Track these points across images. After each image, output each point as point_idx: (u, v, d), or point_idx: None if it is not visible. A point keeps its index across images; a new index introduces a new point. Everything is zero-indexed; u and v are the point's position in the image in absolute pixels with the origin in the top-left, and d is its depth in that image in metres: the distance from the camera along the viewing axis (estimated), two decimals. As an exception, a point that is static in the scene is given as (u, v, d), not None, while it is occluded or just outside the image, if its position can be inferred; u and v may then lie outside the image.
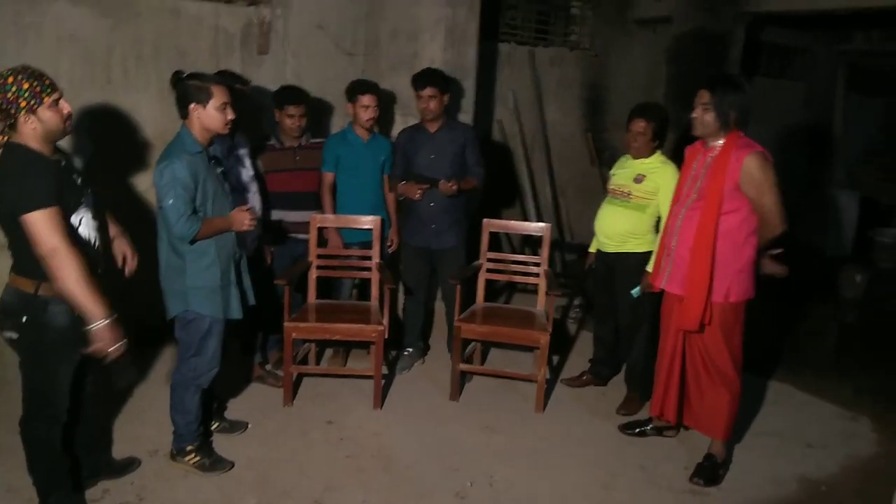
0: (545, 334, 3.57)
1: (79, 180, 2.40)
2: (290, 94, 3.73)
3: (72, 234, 2.30)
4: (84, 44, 3.69)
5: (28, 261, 2.25)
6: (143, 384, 3.66)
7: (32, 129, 2.24)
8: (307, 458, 3.11)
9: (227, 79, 3.03)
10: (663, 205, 3.35)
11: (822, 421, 3.74)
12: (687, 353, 3.08)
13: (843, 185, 8.17)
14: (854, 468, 3.28)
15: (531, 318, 3.78)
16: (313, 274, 3.81)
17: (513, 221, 4.42)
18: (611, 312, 3.78)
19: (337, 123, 4.51)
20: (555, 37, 6.10)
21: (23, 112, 2.20)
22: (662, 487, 3.03)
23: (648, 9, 6.31)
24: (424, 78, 3.78)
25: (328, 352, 4.15)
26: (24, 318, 2.30)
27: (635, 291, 3.45)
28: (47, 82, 2.24)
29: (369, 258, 3.87)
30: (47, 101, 2.23)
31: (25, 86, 2.19)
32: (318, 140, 3.93)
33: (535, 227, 4.13)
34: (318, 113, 4.33)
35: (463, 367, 3.77)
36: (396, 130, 4.42)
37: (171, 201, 2.61)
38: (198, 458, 2.93)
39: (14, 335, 2.34)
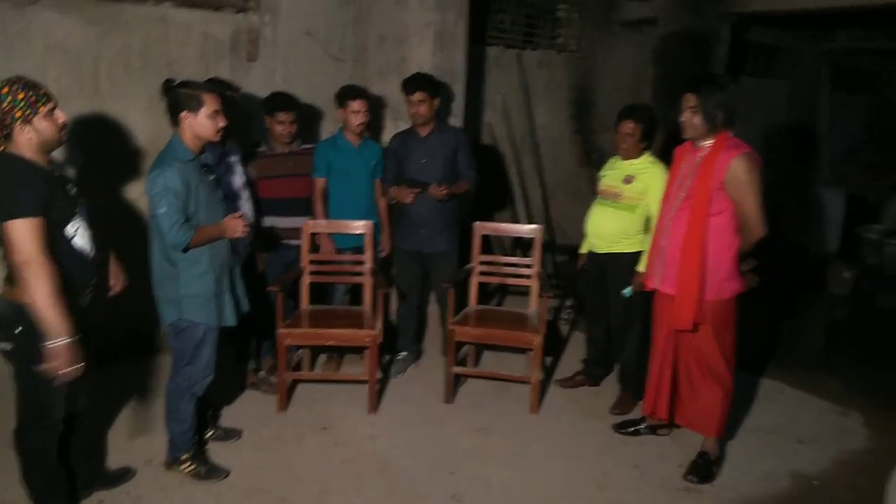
0: (538, 336, 3.58)
1: (73, 190, 2.41)
2: (281, 101, 3.73)
3: (67, 244, 2.30)
4: (72, 53, 3.68)
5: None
6: (137, 393, 3.65)
7: (28, 140, 2.24)
8: (303, 464, 3.11)
9: (217, 86, 3.04)
10: (653, 205, 3.38)
11: (814, 417, 3.77)
12: (679, 351, 3.11)
13: (829, 182, 8.24)
14: (846, 463, 3.31)
15: (524, 320, 3.80)
16: (306, 280, 3.81)
17: (504, 224, 4.44)
18: (603, 313, 3.81)
19: (327, 129, 4.52)
20: (542, 39, 6.13)
21: (18, 122, 2.20)
22: (657, 486, 3.05)
23: (634, 10, 6.35)
24: (414, 82, 3.79)
25: (322, 357, 4.15)
26: (18, 329, 2.29)
27: (627, 291, 3.48)
28: (42, 92, 2.25)
29: (362, 263, 3.88)
30: (42, 111, 2.24)
31: (21, 96, 2.19)
32: (308, 146, 3.94)
33: (527, 229, 4.15)
34: (307, 119, 4.33)
35: (457, 369, 3.78)
36: (387, 135, 4.44)
37: (163, 210, 2.61)
38: (193, 467, 2.93)
39: (8, 346, 2.34)
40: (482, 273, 4.03)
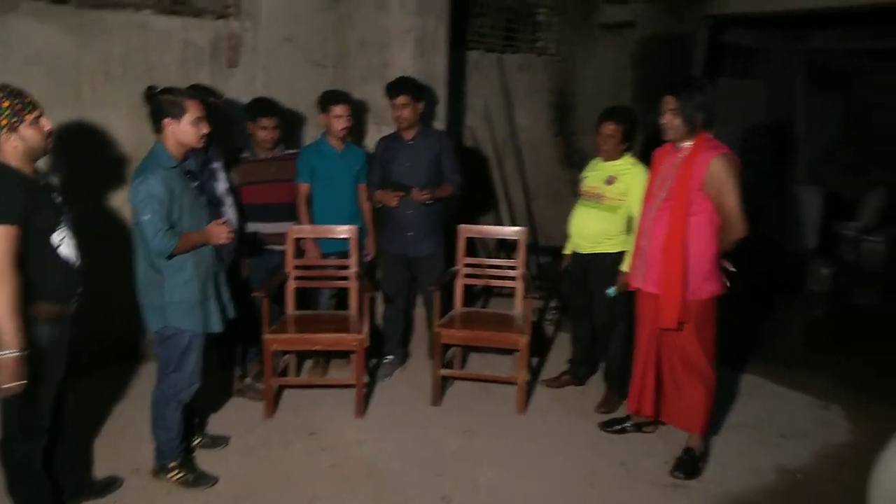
0: (524, 337, 3.61)
1: (58, 199, 2.40)
2: (263, 106, 3.73)
3: (53, 252, 2.29)
4: (52, 61, 3.65)
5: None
6: (122, 401, 3.63)
7: (14, 148, 2.23)
8: (291, 470, 3.10)
9: (200, 93, 3.03)
10: (635, 205, 3.42)
11: (796, 412, 3.83)
12: (662, 350, 3.14)
13: (807, 181, 8.35)
14: (828, 456, 3.37)
15: (510, 322, 3.82)
16: (291, 285, 3.81)
17: (488, 226, 4.46)
18: (587, 313, 3.84)
19: (309, 134, 4.52)
20: (522, 43, 6.17)
21: (4, 130, 2.19)
22: (645, 482, 3.08)
23: (613, 14, 6.41)
24: (397, 86, 3.81)
25: (308, 363, 4.14)
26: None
27: (611, 291, 3.52)
28: (28, 100, 2.24)
29: (347, 268, 3.88)
30: (28, 118, 2.23)
31: (6, 104, 2.18)
32: (292, 151, 3.94)
33: (511, 231, 4.18)
34: (289, 125, 4.33)
35: (444, 372, 3.79)
36: (369, 140, 4.45)
37: (147, 217, 2.60)
38: (181, 474, 2.91)
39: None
40: (467, 275, 4.04)
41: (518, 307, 3.94)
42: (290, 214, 3.89)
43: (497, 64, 5.92)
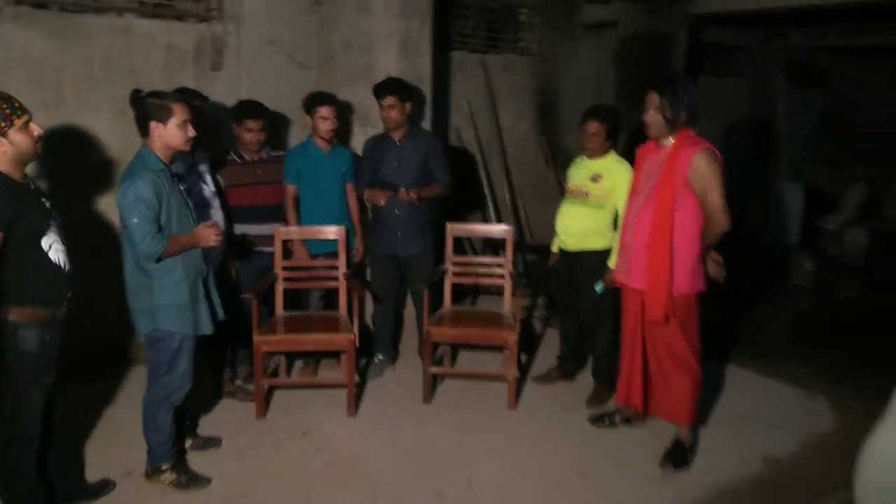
0: (513, 334, 3.63)
1: (47, 204, 2.39)
2: (249, 109, 3.74)
3: (43, 257, 2.28)
4: (34, 66, 3.64)
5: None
6: (113, 405, 3.61)
7: (3, 153, 2.23)
8: (284, 470, 3.11)
9: (186, 96, 3.04)
10: (620, 202, 3.46)
11: (782, 402, 3.88)
12: (648, 344, 3.18)
13: (789, 177, 8.45)
14: (814, 445, 3.42)
15: (499, 319, 3.85)
16: (280, 287, 3.81)
17: (476, 225, 4.49)
18: (574, 309, 3.87)
19: (294, 136, 4.53)
20: (505, 44, 6.21)
21: None
22: (636, 475, 3.11)
23: (594, 13, 6.47)
24: (385, 87, 3.83)
25: (298, 363, 4.14)
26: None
27: (599, 287, 3.54)
28: (16, 104, 2.24)
29: (336, 268, 3.89)
30: (18, 123, 2.23)
31: None
32: (278, 153, 3.95)
33: (498, 229, 4.20)
34: (275, 127, 4.33)
35: (434, 370, 3.81)
36: (355, 142, 4.46)
37: (135, 220, 2.59)
38: (174, 477, 2.91)
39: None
40: (456, 274, 4.07)
41: (507, 305, 3.97)
42: (277, 216, 3.89)
43: (481, 64, 5.96)
